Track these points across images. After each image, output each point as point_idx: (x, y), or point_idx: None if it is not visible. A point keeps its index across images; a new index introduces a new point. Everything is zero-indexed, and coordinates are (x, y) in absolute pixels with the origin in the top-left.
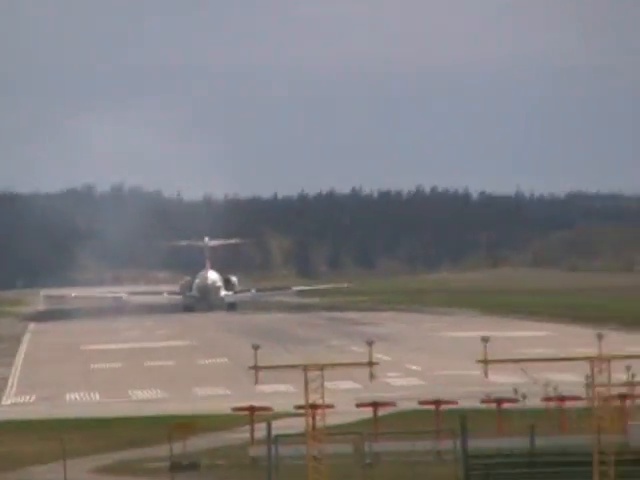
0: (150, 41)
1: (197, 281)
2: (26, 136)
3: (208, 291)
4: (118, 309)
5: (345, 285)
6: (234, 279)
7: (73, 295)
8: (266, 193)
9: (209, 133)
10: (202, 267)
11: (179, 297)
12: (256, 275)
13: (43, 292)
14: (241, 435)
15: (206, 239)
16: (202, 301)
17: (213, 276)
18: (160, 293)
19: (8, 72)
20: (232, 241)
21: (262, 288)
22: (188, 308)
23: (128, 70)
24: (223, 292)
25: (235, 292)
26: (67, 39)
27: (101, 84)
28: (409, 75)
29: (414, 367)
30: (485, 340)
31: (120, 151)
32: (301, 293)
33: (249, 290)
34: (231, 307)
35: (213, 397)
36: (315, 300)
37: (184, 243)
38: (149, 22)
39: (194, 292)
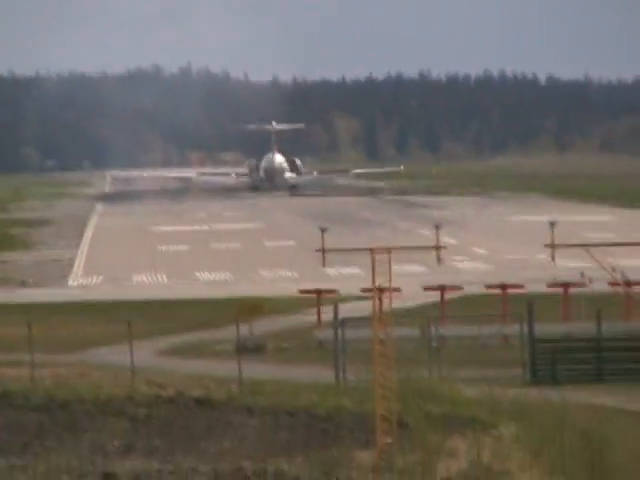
0: None
1: (263, 163)
2: (92, 17)
3: (274, 173)
4: (186, 190)
5: (400, 168)
6: (298, 161)
7: (144, 174)
8: (334, 76)
9: (278, 15)
10: (269, 150)
11: (247, 179)
12: (323, 158)
13: (110, 173)
14: (307, 318)
15: (273, 123)
16: (267, 182)
17: (279, 158)
18: (228, 174)
19: None
20: (299, 125)
21: (324, 171)
22: (254, 189)
23: None
24: (288, 174)
25: (299, 174)
26: None
27: None
28: None
29: (481, 251)
30: (552, 224)
31: (188, 32)
32: (360, 176)
33: (311, 173)
34: (293, 189)
35: (280, 279)
36: (380, 183)
37: (252, 127)
38: None
39: (260, 173)
